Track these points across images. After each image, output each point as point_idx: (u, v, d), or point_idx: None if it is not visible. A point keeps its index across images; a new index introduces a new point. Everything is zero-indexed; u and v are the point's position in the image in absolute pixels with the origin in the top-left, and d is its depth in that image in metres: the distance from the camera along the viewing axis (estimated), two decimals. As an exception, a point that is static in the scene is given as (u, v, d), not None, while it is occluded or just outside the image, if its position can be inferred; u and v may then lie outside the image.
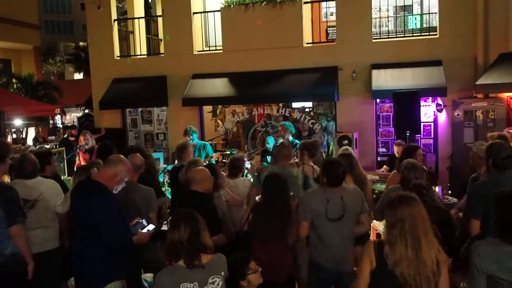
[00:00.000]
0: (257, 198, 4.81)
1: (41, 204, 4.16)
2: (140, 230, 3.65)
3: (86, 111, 17.29)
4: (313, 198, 3.87)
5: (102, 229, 3.29)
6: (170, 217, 4.35)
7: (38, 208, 4.14)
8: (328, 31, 11.99)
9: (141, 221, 3.75)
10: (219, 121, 12.07)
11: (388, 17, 11.66)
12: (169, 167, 6.99)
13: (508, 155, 3.76)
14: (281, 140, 7.54)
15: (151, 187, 4.52)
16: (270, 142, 7.87)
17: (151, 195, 4.34)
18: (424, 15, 11.16)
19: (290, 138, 7.86)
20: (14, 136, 14.49)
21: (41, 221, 4.17)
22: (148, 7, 15.79)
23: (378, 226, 5.29)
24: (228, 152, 9.23)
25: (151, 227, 3.74)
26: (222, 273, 2.82)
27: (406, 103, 7.86)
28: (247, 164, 7.67)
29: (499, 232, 2.75)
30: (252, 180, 6.25)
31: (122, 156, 3.74)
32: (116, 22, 11.86)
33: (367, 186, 4.90)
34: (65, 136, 12.77)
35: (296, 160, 5.71)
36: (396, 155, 7.72)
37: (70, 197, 3.73)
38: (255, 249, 3.84)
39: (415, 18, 11.57)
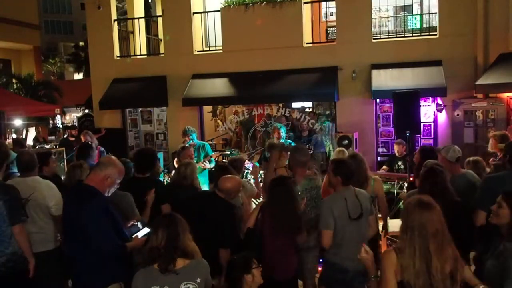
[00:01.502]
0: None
1: (32, 203, 4.08)
2: (135, 233, 3.56)
3: (86, 111, 17.27)
4: (334, 203, 3.82)
5: (93, 236, 3.22)
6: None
7: (29, 207, 4.06)
8: (328, 31, 11.99)
9: (136, 223, 3.66)
10: (219, 121, 12.06)
11: (388, 17, 11.67)
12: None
13: None
14: (282, 141, 7.49)
15: (159, 191, 4.38)
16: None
17: (125, 201, 3.98)
18: (424, 15, 11.16)
19: (282, 139, 7.70)
20: (14, 136, 14.47)
21: (33, 221, 4.08)
22: (148, 7, 15.80)
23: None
24: (228, 152, 9.23)
25: (146, 230, 3.58)
26: (198, 280, 2.75)
27: (406, 103, 7.82)
28: (249, 166, 7.67)
29: None
30: (253, 182, 6.25)
31: (113, 158, 3.63)
32: (116, 22, 11.86)
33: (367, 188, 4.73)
34: (65, 136, 12.77)
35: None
36: (397, 154, 7.73)
37: (63, 202, 3.67)
38: (265, 246, 3.79)
39: (415, 18, 11.57)
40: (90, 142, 7.00)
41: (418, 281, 2.39)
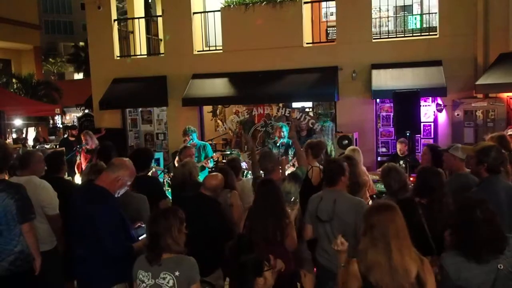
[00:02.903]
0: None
1: None
2: (142, 235, 3.59)
3: (86, 111, 17.28)
4: (312, 199, 3.98)
5: (104, 237, 3.25)
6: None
7: None
8: (328, 31, 11.99)
9: (143, 225, 3.70)
10: (219, 121, 12.06)
11: (388, 17, 11.66)
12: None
13: (502, 161, 3.83)
14: (283, 140, 7.47)
15: (154, 188, 4.40)
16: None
17: (142, 205, 4.05)
18: (424, 15, 11.16)
19: (284, 138, 7.63)
20: (14, 136, 14.48)
21: None
22: (148, 7, 15.80)
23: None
24: (228, 152, 9.23)
25: None
26: (177, 273, 2.84)
27: (406, 103, 7.85)
28: (243, 165, 7.66)
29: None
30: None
31: (125, 159, 3.65)
32: (116, 22, 11.86)
33: (360, 193, 4.60)
34: (65, 136, 12.77)
35: (293, 162, 5.54)
36: (399, 153, 7.73)
37: (71, 201, 3.66)
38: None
39: (415, 18, 11.57)
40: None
41: (384, 279, 2.45)
